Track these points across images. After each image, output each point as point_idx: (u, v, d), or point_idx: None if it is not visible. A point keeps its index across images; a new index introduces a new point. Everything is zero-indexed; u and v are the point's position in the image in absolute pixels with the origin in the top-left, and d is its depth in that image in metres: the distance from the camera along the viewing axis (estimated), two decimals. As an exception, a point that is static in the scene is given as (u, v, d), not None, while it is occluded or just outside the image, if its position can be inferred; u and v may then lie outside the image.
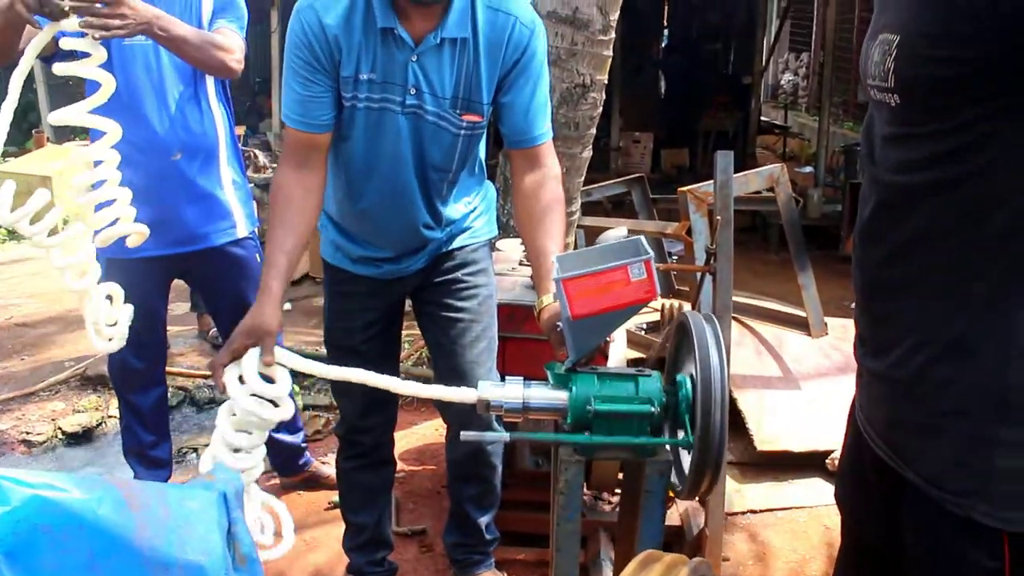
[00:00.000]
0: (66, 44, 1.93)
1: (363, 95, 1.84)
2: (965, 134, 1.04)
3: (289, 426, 3.01)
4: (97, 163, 1.98)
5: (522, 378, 1.54)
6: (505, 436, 1.60)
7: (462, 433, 1.53)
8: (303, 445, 3.10)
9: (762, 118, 10.90)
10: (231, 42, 2.44)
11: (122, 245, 2.09)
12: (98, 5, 1.96)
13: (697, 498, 2.68)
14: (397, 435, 2.44)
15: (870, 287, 1.25)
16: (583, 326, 1.46)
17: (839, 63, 8.73)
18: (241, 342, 1.64)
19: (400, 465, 3.16)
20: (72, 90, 2.36)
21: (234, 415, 1.63)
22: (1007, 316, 1.06)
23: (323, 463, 3.18)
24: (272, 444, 3.00)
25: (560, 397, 1.50)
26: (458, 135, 1.91)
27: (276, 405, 1.63)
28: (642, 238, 1.49)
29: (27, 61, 1.91)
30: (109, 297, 2.05)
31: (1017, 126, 1.01)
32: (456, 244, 2.12)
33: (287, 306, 5.08)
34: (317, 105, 1.84)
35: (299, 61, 1.83)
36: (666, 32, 12.06)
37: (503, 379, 1.57)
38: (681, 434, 1.48)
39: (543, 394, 1.52)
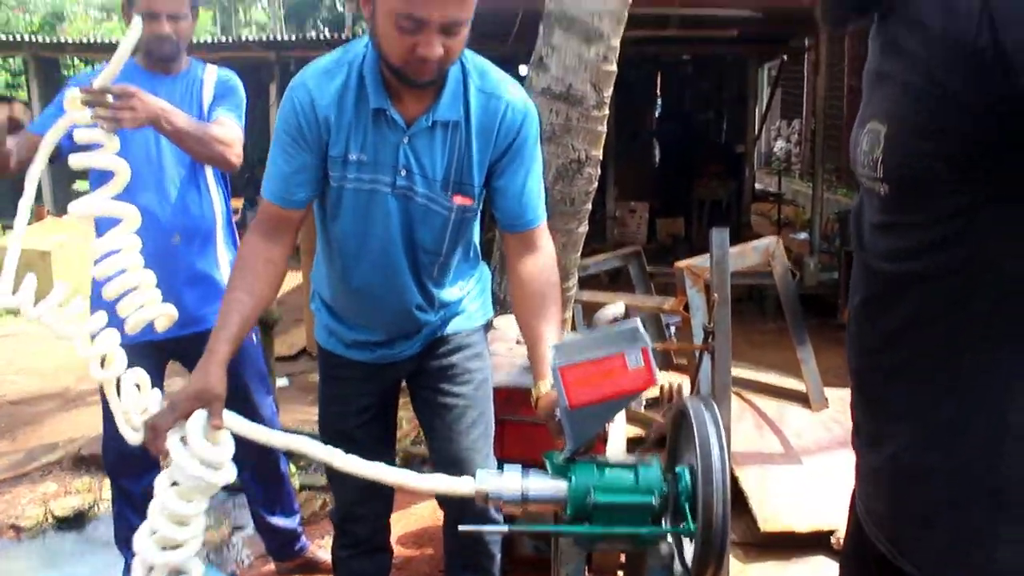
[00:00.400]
0: (80, 137, 1.97)
1: (352, 175, 1.84)
2: (953, 224, 1.04)
3: (284, 508, 2.96)
4: (106, 254, 1.97)
5: (520, 467, 1.51)
6: (504, 529, 1.57)
7: (460, 527, 1.49)
8: (299, 529, 3.04)
9: (756, 185, 11.03)
10: (231, 135, 2.48)
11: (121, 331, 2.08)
12: (109, 98, 2.01)
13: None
14: (395, 516, 2.39)
15: (862, 373, 1.24)
16: (581, 415, 1.44)
17: (830, 131, 8.86)
18: (188, 406, 1.59)
19: (398, 549, 3.09)
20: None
21: (174, 484, 1.57)
22: (997, 403, 1.04)
23: (320, 547, 3.11)
24: (267, 528, 2.96)
25: (559, 487, 1.47)
26: (448, 217, 1.90)
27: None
28: (639, 323, 1.47)
29: (42, 157, 1.95)
30: (137, 385, 2.03)
31: (1004, 214, 1.01)
32: (451, 329, 2.10)
33: (284, 382, 5.04)
34: (296, 182, 1.84)
35: (286, 137, 1.83)
36: (659, 102, 12.26)
37: (501, 466, 1.54)
38: (684, 525, 1.45)
39: (542, 484, 1.48)
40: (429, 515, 3.39)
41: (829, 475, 3.23)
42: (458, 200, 1.88)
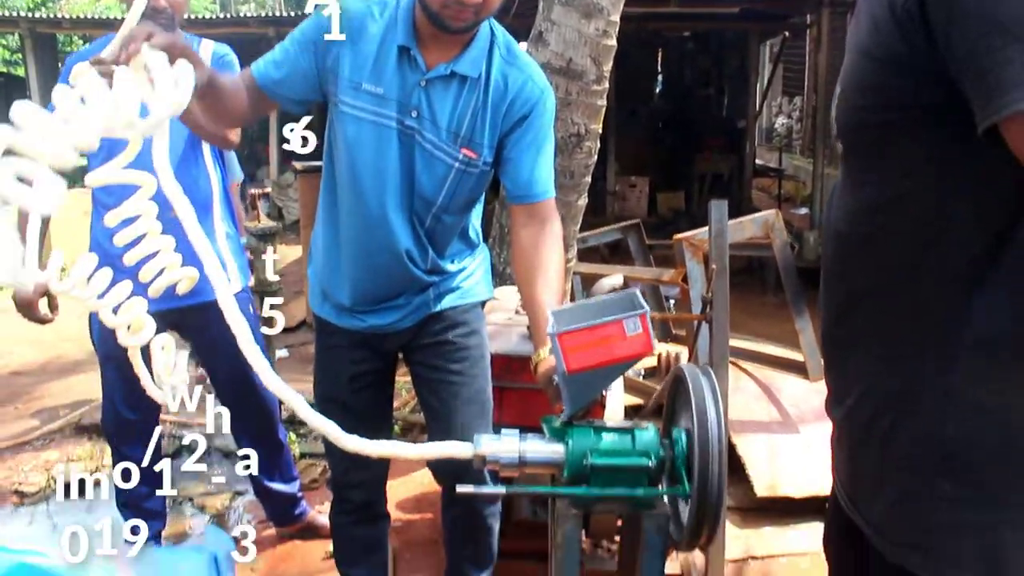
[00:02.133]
0: None
1: (363, 105, 1.87)
2: (893, 187, 1.08)
3: (283, 475, 2.99)
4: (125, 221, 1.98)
5: (518, 431, 1.53)
6: (501, 490, 1.59)
7: (458, 487, 1.51)
8: (299, 495, 3.07)
9: (757, 161, 11.00)
10: None
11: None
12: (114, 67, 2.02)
13: (699, 549, 2.67)
14: (394, 483, 2.42)
15: (827, 337, 1.28)
16: (579, 380, 1.46)
17: (831, 106, 8.82)
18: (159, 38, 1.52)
19: (397, 514, 3.13)
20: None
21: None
22: (939, 375, 1.08)
23: (320, 512, 3.15)
24: (266, 494, 3.00)
25: (557, 451, 1.49)
26: (451, 167, 1.91)
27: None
28: (637, 292, 1.49)
29: None
30: (163, 347, 2.05)
31: (947, 180, 1.04)
32: (446, 304, 2.10)
33: (284, 352, 5.07)
34: (287, 76, 1.89)
35: (300, 36, 1.89)
36: (660, 78, 12.21)
37: (498, 431, 1.56)
38: (679, 486, 1.47)
39: (539, 448, 1.51)
40: (429, 481, 3.41)
41: (825, 443, 3.23)
42: (465, 152, 1.90)
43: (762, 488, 3.15)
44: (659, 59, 12.04)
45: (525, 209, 1.93)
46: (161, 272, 1.98)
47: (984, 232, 1.03)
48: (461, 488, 1.52)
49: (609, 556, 2.75)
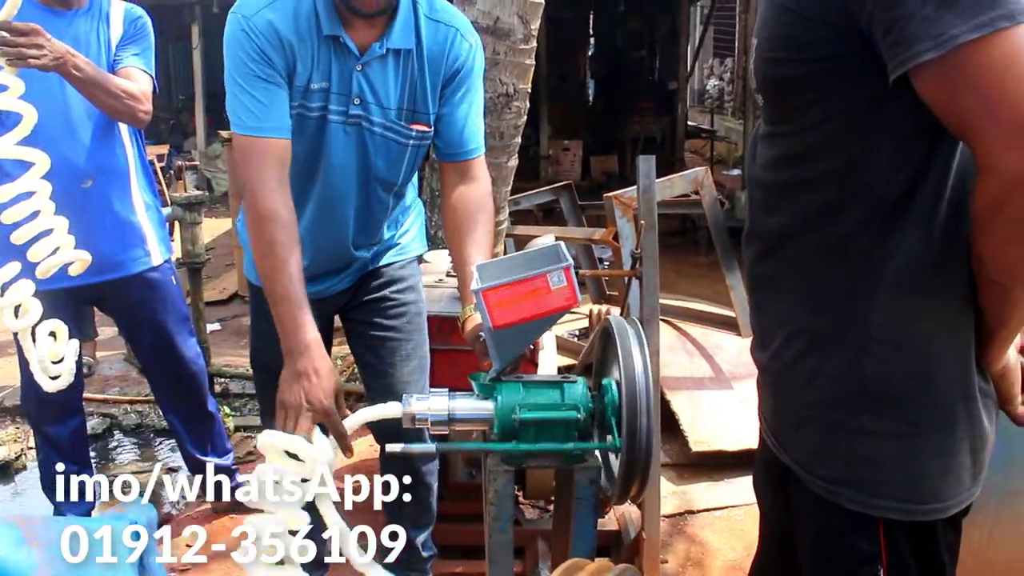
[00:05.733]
0: None
1: (313, 104, 1.82)
2: (812, 135, 1.10)
3: (216, 448, 2.94)
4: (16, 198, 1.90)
5: (447, 390, 1.52)
6: (431, 447, 1.59)
7: (388, 446, 1.50)
8: (233, 467, 3.03)
9: (689, 123, 11.09)
10: (141, 88, 2.42)
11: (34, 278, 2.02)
12: (4, 34, 1.93)
13: (631, 502, 2.70)
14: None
15: (751, 281, 1.31)
16: (505, 335, 1.45)
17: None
18: (329, 403, 1.63)
19: (337, 481, 3.10)
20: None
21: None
22: (859, 314, 1.11)
23: (255, 485, 3.11)
24: (200, 468, 2.94)
25: (486, 407, 1.48)
26: (406, 145, 1.89)
27: None
28: (562, 245, 1.48)
29: None
30: (52, 334, 1.97)
31: (856, 131, 1.07)
32: (383, 261, 2.09)
33: (216, 326, 4.98)
34: (282, 111, 1.76)
35: (256, 67, 1.74)
36: (592, 41, 12.21)
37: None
38: (609, 439, 1.47)
39: (468, 405, 1.50)
40: (366, 450, 3.40)
41: (757, 399, 3.32)
42: (416, 127, 1.87)
43: (697, 443, 3.20)
44: (591, 23, 12.02)
45: (456, 167, 1.91)
46: (55, 251, 1.92)
47: (899, 175, 1.06)
48: (391, 447, 1.51)
49: (545, 516, 2.77)
